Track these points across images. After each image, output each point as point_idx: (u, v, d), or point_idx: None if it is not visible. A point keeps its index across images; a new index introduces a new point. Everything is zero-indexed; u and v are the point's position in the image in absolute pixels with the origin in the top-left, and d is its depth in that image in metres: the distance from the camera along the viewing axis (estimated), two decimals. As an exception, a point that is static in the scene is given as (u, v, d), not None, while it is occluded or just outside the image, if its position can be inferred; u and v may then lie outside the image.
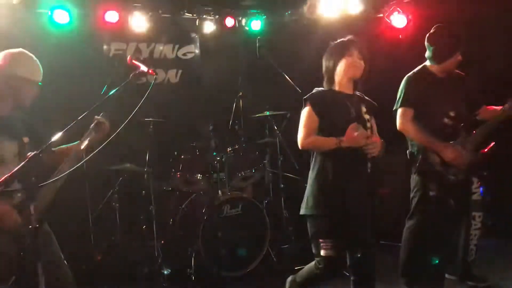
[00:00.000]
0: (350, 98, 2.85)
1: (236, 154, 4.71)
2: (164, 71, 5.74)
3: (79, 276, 4.35)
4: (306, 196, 2.83)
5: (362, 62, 2.84)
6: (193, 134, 5.17)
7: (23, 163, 1.69)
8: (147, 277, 4.28)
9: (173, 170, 4.73)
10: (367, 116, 2.86)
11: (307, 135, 2.77)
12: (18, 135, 2.49)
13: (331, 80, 2.87)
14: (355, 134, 2.65)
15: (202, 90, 5.69)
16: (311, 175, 2.83)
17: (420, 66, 3.55)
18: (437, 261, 3.53)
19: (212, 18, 5.39)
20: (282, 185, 4.87)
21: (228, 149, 4.69)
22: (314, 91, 2.89)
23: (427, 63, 3.53)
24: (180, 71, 5.83)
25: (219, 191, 4.52)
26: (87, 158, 2.29)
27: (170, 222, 4.74)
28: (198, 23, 5.38)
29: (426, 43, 3.49)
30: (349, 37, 2.90)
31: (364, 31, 5.67)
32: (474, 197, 3.56)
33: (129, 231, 4.90)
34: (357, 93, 2.93)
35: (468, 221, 3.56)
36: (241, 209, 4.41)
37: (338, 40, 2.92)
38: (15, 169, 1.69)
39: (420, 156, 3.40)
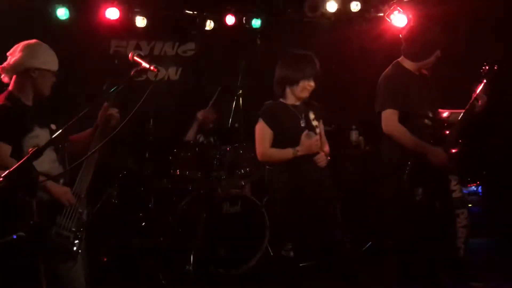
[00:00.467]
0: (298, 108, 3.02)
1: (236, 152, 4.70)
2: (164, 68, 5.73)
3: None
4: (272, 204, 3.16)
5: (313, 84, 2.98)
6: (192, 132, 5.16)
7: (24, 158, 1.69)
8: (146, 274, 4.28)
9: (173, 167, 4.73)
10: (315, 123, 3.01)
11: (265, 148, 2.96)
12: (46, 123, 2.59)
13: (283, 91, 3.02)
14: (309, 141, 2.85)
15: (202, 87, 5.69)
16: (271, 186, 3.04)
17: (395, 63, 3.39)
18: (430, 264, 3.53)
19: (213, 15, 5.39)
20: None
21: (228, 147, 4.69)
22: (265, 105, 3.04)
23: (401, 59, 3.38)
24: (180, 69, 5.82)
25: (219, 189, 4.52)
26: (89, 154, 2.30)
27: (169, 220, 4.74)
28: (199, 21, 5.38)
29: (405, 37, 3.35)
30: (310, 54, 3.00)
31: (365, 30, 5.69)
32: (455, 194, 3.47)
33: (128, 229, 4.89)
34: (304, 101, 3.07)
35: (453, 220, 3.49)
36: (241, 207, 4.41)
37: (300, 53, 3.01)
38: (17, 164, 1.70)
39: (409, 162, 3.26)
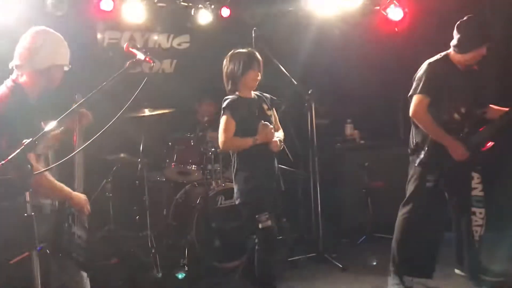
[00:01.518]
0: (253, 101, 3.47)
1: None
2: (159, 60, 5.68)
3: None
4: (236, 190, 3.43)
5: (259, 77, 3.43)
6: (187, 125, 5.15)
7: (18, 150, 1.67)
8: (140, 267, 4.27)
9: (167, 160, 4.72)
10: (269, 113, 3.50)
11: (228, 137, 3.32)
12: (51, 117, 2.47)
13: (236, 85, 3.42)
14: (265, 131, 3.29)
15: (196, 80, 5.65)
16: (235, 172, 3.43)
17: (443, 54, 3.43)
18: (427, 250, 3.54)
19: (208, 7, 5.34)
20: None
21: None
22: (228, 100, 3.38)
23: (450, 51, 3.41)
24: (174, 61, 5.78)
25: (213, 182, 4.51)
26: (82, 147, 2.27)
27: (164, 213, 4.73)
28: (194, 13, 5.33)
29: (454, 30, 3.37)
30: (251, 50, 3.47)
31: (360, 24, 5.68)
32: (475, 192, 3.52)
33: (123, 221, 4.88)
34: (257, 93, 3.54)
35: (468, 217, 3.52)
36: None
37: (243, 50, 3.45)
38: (11, 156, 1.68)
39: (426, 147, 3.34)
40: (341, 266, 4.19)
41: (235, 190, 3.44)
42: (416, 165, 3.41)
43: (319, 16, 5.45)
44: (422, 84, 3.32)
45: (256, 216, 3.30)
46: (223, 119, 3.34)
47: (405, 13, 5.34)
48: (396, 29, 5.49)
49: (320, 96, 4.60)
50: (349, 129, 5.61)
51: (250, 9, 5.54)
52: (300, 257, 4.47)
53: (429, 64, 3.40)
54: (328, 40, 5.75)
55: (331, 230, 4.75)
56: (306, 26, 5.59)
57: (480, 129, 3.37)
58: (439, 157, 3.32)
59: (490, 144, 3.37)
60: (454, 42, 3.38)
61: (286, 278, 4.03)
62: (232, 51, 3.49)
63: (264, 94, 3.58)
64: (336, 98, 5.86)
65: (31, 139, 1.67)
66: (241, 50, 3.47)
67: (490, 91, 3.62)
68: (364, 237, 4.91)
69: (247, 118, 3.35)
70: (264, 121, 3.36)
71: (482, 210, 3.54)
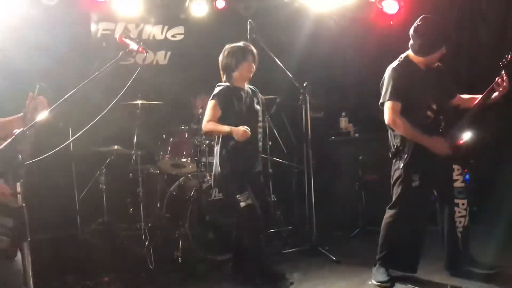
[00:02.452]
0: (245, 92, 3.64)
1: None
2: (152, 52, 5.65)
3: (66, 257, 4.37)
4: (215, 171, 3.64)
5: (254, 66, 3.62)
6: (181, 117, 5.13)
7: (9, 140, 1.65)
8: (134, 259, 4.27)
9: (161, 153, 4.70)
10: (258, 107, 3.67)
11: (209, 121, 3.49)
12: None
13: (230, 77, 3.60)
14: (240, 133, 3.38)
15: (191, 72, 5.63)
16: (217, 152, 3.62)
17: (402, 56, 3.49)
18: (412, 248, 3.59)
19: (203, -1, 5.31)
20: (271, 170, 4.87)
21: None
22: (219, 88, 3.56)
23: (410, 53, 3.48)
24: (169, 53, 5.75)
25: (207, 175, 4.50)
26: (73, 138, 2.25)
27: (158, 205, 4.72)
28: (188, 4, 5.29)
29: (412, 33, 3.43)
30: (246, 43, 3.64)
31: (356, 17, 5.66)
32: (457, 184, 3.55)
33: (116, 214, 4.87)
34: (251, 87, 3.72)
35: (451, 209, 3.56)
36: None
37: (238, 44, 3.61)
38: (1, 147, 1.66)
39: (407, 149, 3.39)
40: (334, 258, 4.20)
41: (214, 172, 3.65)
42: (401, 167, 3.44)
43: (315, 8, 5.43)
44: (390, 91, 3.38)
45: (237, 196, 3.47)
46: (210, 104, 3.53)
47: (400, 6, 5.33)
48: (391, 22, 5.48)
49: (314, 89, 4.59)
50: (343, 123, 5.61)
51: (245, 1, 5.51)
52: (293, 249, 4.48)
53: (393, 69, 3.46)
54: (323, 33, 5.73)
55: (325, 223, 4.75)
56: (302, 19, 5.57)
57: (458, 121, 3.44)
58: (422, 157, 3.37)
59: (463, 139, 3.43)
60: (415, 46, 3.43)
61: (280, 270, 4.03)
62: (228, 45, 3.61)
63: (258, 92, 3.77)
64: (331, 91, 5.86)
65: (21, 129, 1.65)
66: (236, 44, 3.61)
67: (457, 83, 3.67)
68: (357, 230, 4.93)
69: (234, 107, 3.52)
70: (250, 116, 3.57)
71: (465, 201, 3.56)
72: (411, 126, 3.37)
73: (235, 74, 3.59)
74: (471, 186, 4.87)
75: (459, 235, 3.57)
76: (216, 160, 3.65)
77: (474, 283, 3.49)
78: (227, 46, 3.63)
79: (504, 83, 3.33)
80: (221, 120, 3.52)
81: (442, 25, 3.44)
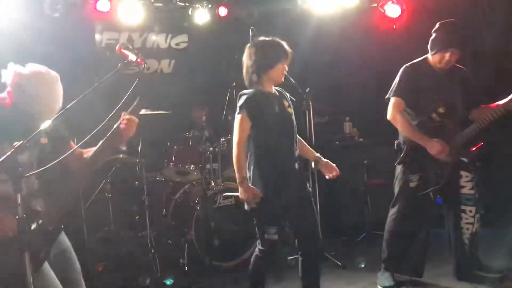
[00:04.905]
0: (273, 96, 3.05)
1: (229, 145, 4.68)
2: (157, 61, 5.69)
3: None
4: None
5: (287, 67, 3.05)
6: (186, 125, 5.15)
7: (9, 152, 1.67)
8: (140, 267, 4.28)
9: (166, 160, 4.72)
10: (290, 110, 3.09)
11: (240, 140, 2.94)
12: (36, 136, 2.23)
13: (260, 78, 2.99)
14: (244, 196, 2.90)
15: (195, 80, 5.66)
16: (250, 174, 3.00)
17: (422, 57, 3.52)
18: (414, 250, 3.58)
19: (205, 7, 5.35)
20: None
21: (221, 140, 4.68)
22: (245, 96, 2.99)
23: (429, 54, 3.50)
24: (173, 61, 5.79)
25: (212, 182, 4.51)
26: (76, 147, 2.26)
27: (163, 213, 4.74)
28: (191, 12, 5.33)
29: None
30: (281, 40, 3.03)
31: (358, 21, 5.67)
32: (464, 190, 3.49)
33: (122, 222, 4.89)
34: (277, 89, 3.12)
35: (458, 214, 3.52)
36: (234, 199, 4.41)
37: (269, 40, 3.02)
38: (2, 158, 1.68)
39: (405, 147, 3.44)
40: (340, 264, 4.19)
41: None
42: (396, 163, 3.48)
43: (317, 13, 5.45)
44: (396, 87, 3.43)
45: (265, 227, 2.97)
46: (238, 118, 2.97)
47: (402, 10, 5.34)
48: (394, 26, 5.48)
49: (318, 95, 4.59)
50: (347, 127, 5.61)
51: (248, 8, 5.54)
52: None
53: (405, 67, 3.50)
54: (326, 38, 5.74)
55: (330, 228, 4.74)
56: (304, 24, 5.59)
57: (464, 130, 3.41)
58: (421, 158, 3.38)
59: (478, 145, 3.41)
60: (429, 43, 3.47)
61: (285, 276, 4.03)
62: (256, 40, 3.09)
63: (286, 92, 3.21)
64: (335, 96, 5.86)
65: (21, 142, 1.67)
66: (266, 39, 3.04)
67: (480, 93, 3.58)
68: (363, 234, 4.91)
69: (266, 113, 2.97)
70: (284, 123, 3.01)
71: (473, 208, 3.48)
72: (410, 124, 3.40)
73: (265, 76, 2.99)
74: (479, 189, 4.85)
75: (466, 241, 3.53)
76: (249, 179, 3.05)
77: (481, 287, 3.46)
78: (256, 42, 3.05)
79: None
80: (253, 131, 2.98)
81: (453, 30, 3.38)
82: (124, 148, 2.23)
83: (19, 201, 1.71)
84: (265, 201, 2.91)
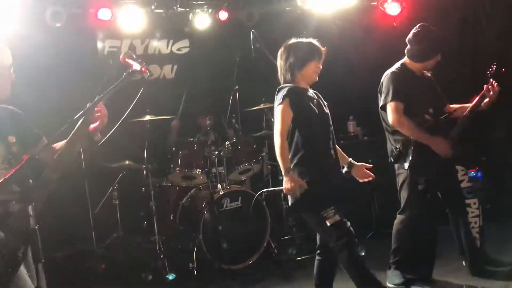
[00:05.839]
0: (312, 95, 3.09)
1: (234, 148, 4.72)
2: (159, 66, 5.72)
3: (83, 272, 4.43)
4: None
5: (321, 67, 3.10)
6: (190, 129, 5.17)
7: (19, 165, 1.69)
8: (150, 273, 4.30)
9: (172, 165, 4.74)
10: (327, 110, 3.13)
11: (282, 133, 2.92)
12: (3, 133, 2.29)
13: (294, 76, 3.03)
14: (289, 187, 2.81)
15: (198, 84, 5.68)
16: (293, 164, 2.94)
17: (399, 63, 3.58)
18: (426, 252, 3.60)
19: (206, 11, 5.37)
20: (281, 177, 4.87)
21: (226, 143, 4.70)
22: (287, 87, 2.99)
23: (406, 60, 3.57)
24: (175, 66, 5.81)
25: (218, 185, 4.53)
26: (87, 155, 2.29)
27: (171, 218, 4.76)
28: (192, 17, 5.36)
29: (411, 39, 3.52)
30: (312, 40, 3.10)
31: (359, 20, 5.68)
32: (464, 184, 3.60)
33: (130, 228, 4.92)
34: (312, 91, 3.15)
35: (463, 210, 3.56)
36: (241, 202, 4.43)
37: (303, 40, 3.10)
38: (12, 171, 1.70)
39: (412, 149, 3.42)
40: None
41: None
42: (406, 168, 3.46)
43: (317, 14, 5.46)
44: (392, 92, 3.43)
45: (321, 213, 2.85)
46: (280, 108, 2.94)
47: (402, 8, 5.34)
48: (395, 24, 5.49)
49: (320, 94, 4.60)
50: (351, 126, 5.61)
51: (248, 11, 5.56)
52: (308, 256, 4.48)
53: (392, 73, 3.52)
54: (326, 38, 5.71)
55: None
56: (304, 25, 5.59)
57: (456, 123, 3.53)
58: (425, 159, 3.40)
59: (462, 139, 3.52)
60: (413, 52, 3.52)
61: (295, 277, 4.04)
62: (291, 40, 3.12)
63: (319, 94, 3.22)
64: (337, 95, 5.85)
65: (31, 154, 1.69)
66: (301, 40, 3.11)
67: (445, 93, 3.74)
68: (371, 233, 4.91)
69: (306, 108, 2.98)
70: (323, 120, 3.03)
71: (475, 200, 3.61)
72: (416, 125, 3.41)
73: (299, 75, 3.03)
74: (484, 184, 4.86)
75: (476, 235, 3.59)
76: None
77: (491, 282, 3.46)
78: (290, 43, 3.10)
79: (491, 92, 3.43)
80: (294, 122, 2.96)
81: (438, 33, 3.53)
82: (99, 136, 2.12)
83: (31, 212, 1.73)
84: (314, 186, 2.87)
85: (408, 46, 3.55)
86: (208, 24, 5.39)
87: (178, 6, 5.25)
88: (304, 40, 3.11)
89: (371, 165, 3.18)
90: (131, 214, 4.93)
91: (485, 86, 3.44)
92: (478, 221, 3.57)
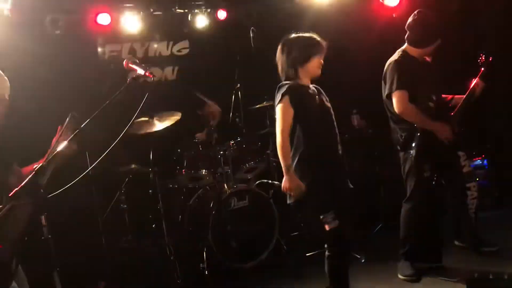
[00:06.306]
0: (312, 90, 3.06)
1: (239, 147, 4.72)
2: (160, 69, 5.73)
3: (95, 278, 4.45)
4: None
5: (322, 61, 3.08)
6: (195, 130, 5.17)
7: (30, 176, 1.71)
8: (161, 275, 4.32)
9: (178, 167, 4.75)
10: (329, 105, 3.10)
11: (284, 131, 2.91)
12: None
13: (296, 72, 3.01)
14: (291, 186, 2.80)
15: (199, 84, 5.68)
16: (294, 163, 2.92)
17: (400, 51, 3.60)
18: (434, 238, 3.67)
19: (204, 12, 5.37)
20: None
21: (231, 142, 4.70)
22: (287, 85, 2.96)
23: (406, 47, 3.59)
24: (176, 68, 5.82)
25: (225, 185, 4.54)
26: (97, 161, 2.30)
27: (179, 219, 4.77)
28: (191, 18, 5.36)
29: (411, 25, 3.55)
30: (313, 34, 3.07)
31: (357, 12, 5.66)
32: (465, 169, 3.71)
33: (139, 231, 4.93)
34: (314, 86, 3.12)
35: (464, 195, 3.68)
36: (248, 201, 4.44)
37: (306, 34, 3.06)
38: (24, 182, 1.71)
39: (416, 139, 3.45)
40: (358, 256, 4.20)
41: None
42: (412, 155, 3.49)
43: (315, 8, 5.45)
44: (397, 81, 3.46)
45: (321, 217, 2.84)
46: (280, 106, 2.92)
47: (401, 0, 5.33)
48: (394, 15, 5.47)
49: (322, 89, 4.59)
50: (355, 120, 5.60)
51: (246, 9, 5.55)
52: (317, 251, 4.48)
53: (395, 61, 3.56)
54: (325, 31, 5.71)
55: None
56: (303, 20, 5.58)
57: (454, 111, 3.59)
58: (431, 146, 3.45)
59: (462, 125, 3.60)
60: (413, 38, 3.56)
61: (305, 274, 4.05)
62: (291, 35, 3.08)
63: (320, 89, 3.17)
64: (339, 89, 5.84)
65: (41, 164, 1.70)
66: (302, 34, 3.07)
67: (460, 73, 3.90)
68: (379, 225, 4.92)
69: (308, 105, 2.96)
70: (324, 115, 3.01)
71: (475, 183, 3.76)
72: (421, 113, 3.46)
73: (302, 70, 3.00)
74: (490, 171, 4.86)
75: (473, 215, 3.75)
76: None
77: (503, 267, 3.46)
78: (291, 37, 3.05)
79: (482, 80, 3.56)
80: (295, 120, 2.94)
81: (437, 18, 3.56)
82: (75, 148, 2.09)
83: (44, 222, 1.74)
84: (314, 189, 2.85)
85: (408, 32, 3.58)
86: (207, 24, 5.39)
87: (177, 7, 5.26)
88: (305, 34, 3.06)
89: None
90: (139, 217, 4.94)
91: (477, 77, 3.57)
92: (475, 202, 3.71)
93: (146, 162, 4.71)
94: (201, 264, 4.25)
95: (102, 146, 2.32)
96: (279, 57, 3.07)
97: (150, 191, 4.80)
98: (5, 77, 2.36)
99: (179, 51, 5.79)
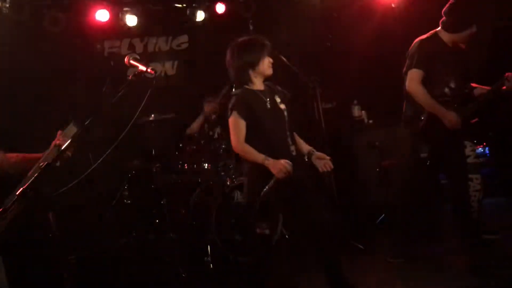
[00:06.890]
0: (264, 93, 3.05)
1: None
2: (160, 64, 5.73)
3: (100, 273, 4.48)
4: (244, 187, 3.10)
5: (272, 60, 3.04)
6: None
7: (37, 173, 1.72)
8: (166, 270, 4.34)
9: (180, 162, 4.76)
10: (282, 106, 3.07)
11: (239, 142, 2.95)
12: None
13: (248, 76, 3.01)
14: (280, 166, 2.80)
15: (199, 78, 5.69)
16: (245, 171, 3.03)
17: (432, 32, 3.57)
18: (426, 218, 3.70)
19: (203, 6, 5.36)
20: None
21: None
22: (234, 98, 3.00)
23: (440, 30, 3.54)
24: (176, 62, 5.82)
25: (228, 179, 4.55)
26: (102, 158, 2.31)
27: (183, 214, 4.79)
28: (189, 13, 5.35)
29: (445, 10, 3.49)
30: (255, 36, 3.07)
31: (357, 2, 5.65)
32: (470, 160, 3.61)
33: (143, 226, 4.95)
34: (267, 84, 3.10)
35: (465, 183, 3.59)
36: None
37: (247, 39, 3.05)
38: (31, 180, 1.73)
39: (425, 117, 3.47)
40: (362, 247, 4.22)
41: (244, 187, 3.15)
42: (414, 133, 3.51)
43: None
44: (416, 60, 3.47)
45: (256, 220, 2.94)
46: (231, 121, 2.98)
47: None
48: (392, 5, 5.46)
49: (323, 80, 4.60)
50: (356, 110, 5.61)
51: (244, 1, 5.54)
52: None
53: (421, 41, 3.54)
54: (325, 23, 5.73)
55: (349, 213, 4.77)
56: (302, 11, 5.58)
57: (469, 104, 3.52)
58: (435, 128, 3.44)
59: (473, 121, 3.58)
60: (446, 23, 3.49)
61: (310, 265, 4.06)
62: (238, 40, 3.08)
63: (276, 86, 3.18)
64: (340, 80, 5.85)
65: (47, 162, 1.72)
66: (247, 37, 3.07)
67: (475, 70, 3.76)
68: (382, 216, 4.94)
69: (258, 112, 2.98)
70: (275, 119, 3.01)
71: (478, 176, 3.63)
72: (429, 95, 3.44)
73: (253, 73, 3.02)
74: (492, 159, 4.87)
75: (475, 205, 3.65)
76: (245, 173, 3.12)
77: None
78: (235, 44, 3.05)
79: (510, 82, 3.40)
80: (249, 131, 2.97)
81: (475, 4, 3.47)
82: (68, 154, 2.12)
83: (51, 219, 1.76)
84: (256, 195, 2.90)
85: (443, 17, 3.52)
86: (206, 18, 5.39)
87: (175, 2, 5.25)
88: (251, 37, 3.08)
89: (329, 157, 3.08)
90: (143, 212, 4.96)
91: (506, 73, 3.43)
92: (477, 195, 3.64)
93: (148, 158, 4.73)
94: (205, 258, 4.28)
95: (104, 144, 2.34)
96: (230, 63, 3.06)
97: (153, 186, 4.82)
98: None
99: (178, 45, 5.78)
